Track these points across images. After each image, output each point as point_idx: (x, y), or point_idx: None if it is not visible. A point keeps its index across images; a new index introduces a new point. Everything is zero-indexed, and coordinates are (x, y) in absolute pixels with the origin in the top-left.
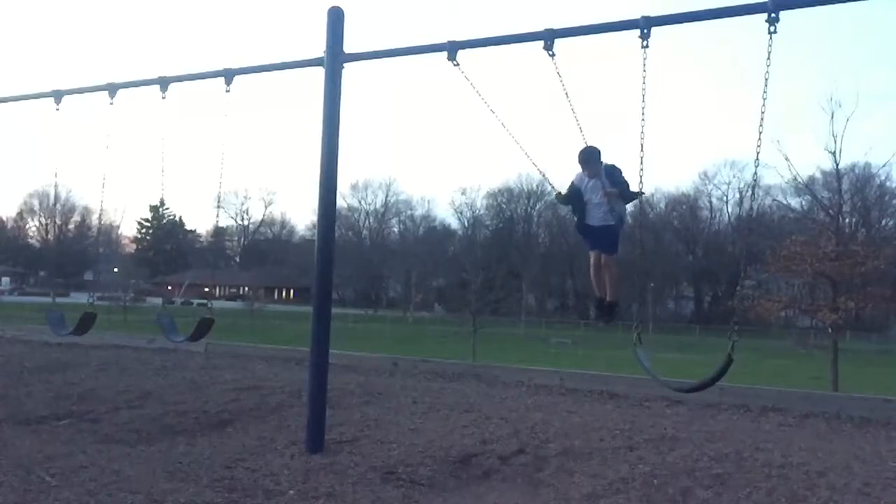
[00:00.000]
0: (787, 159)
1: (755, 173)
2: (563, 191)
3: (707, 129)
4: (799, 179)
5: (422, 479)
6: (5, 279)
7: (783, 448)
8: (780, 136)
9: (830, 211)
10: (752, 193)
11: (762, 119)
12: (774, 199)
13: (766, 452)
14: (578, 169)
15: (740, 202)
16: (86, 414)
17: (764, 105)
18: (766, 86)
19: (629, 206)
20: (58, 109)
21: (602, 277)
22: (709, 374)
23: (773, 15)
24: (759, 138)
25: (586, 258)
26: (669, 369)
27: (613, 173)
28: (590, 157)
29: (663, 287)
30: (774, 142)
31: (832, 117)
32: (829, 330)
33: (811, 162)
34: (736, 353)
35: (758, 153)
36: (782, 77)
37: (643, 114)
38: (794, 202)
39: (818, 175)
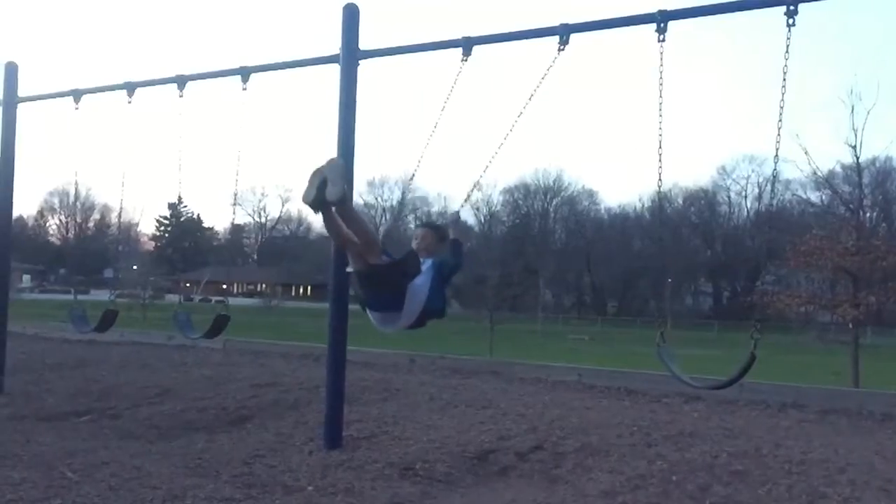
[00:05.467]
0: (806, 153)
1: (775, 169)
2: None
3: (725, 124)
4: (819, 173)
5: (439, 475)
6: (26, 277)
7: (803, 444)
8: (799, 130)
9: (851, 205)
10: (773, 189)
11: (781, 114)
12: (794, 194)
13: (785, 449)
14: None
15: (759, 197)
16: (107, 410)
17: (783, 100)
18: (784, 80)
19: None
20: (77, 108)
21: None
22: (732, 372)
23: (791, 8)
24: (779, 134)
25: (598, 253)
26: (689, 366)
27: (455, 253)
28: (445, 239)
29: (681, 283)
30: (794, 136)
31: (852, 110)
32: (850, 325)
33: (831, 156)
34: (757, 351)
35: (777, 149)
36: (801, 70)
37: (661, 109)
38: (814, 196)
39: (838, 169)
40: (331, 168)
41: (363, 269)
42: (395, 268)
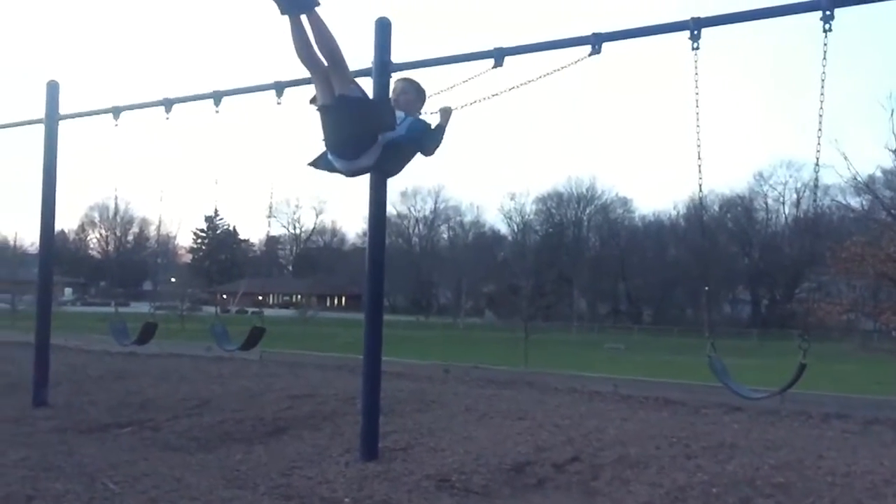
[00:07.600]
0: (845, 158)
1: (816, 178)
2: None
3: (762, 129)
4: (858, 178)
5: (476, 487)
6: (68, 290)
7: (847, 456)
8: (837, 135)
9: (892, 211)
10: (815, 197)
11: (821, 121)
12: (833, 199)
13: (829, 460)
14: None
15: (797, 203)
16: (147, 422)
17: (822, 108)
18: (822, 87)
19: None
20: (116, 125)
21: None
22: (784, 381)
23: (827, 13)
24: (819, 142)
25: (633, 261)
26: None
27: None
28: (422, 96)
29: (719, 291)
30: (832, 141)
31: (892, 114)
32: (894, 333)
33: (871, 160)
34: (806, 360)
35: (818, 156)
36: (838, 74)
37: (698, 119)
38: (854, 202)
39: (879, 174)
40: None
41: (331, 103)
42: (367, 108)
